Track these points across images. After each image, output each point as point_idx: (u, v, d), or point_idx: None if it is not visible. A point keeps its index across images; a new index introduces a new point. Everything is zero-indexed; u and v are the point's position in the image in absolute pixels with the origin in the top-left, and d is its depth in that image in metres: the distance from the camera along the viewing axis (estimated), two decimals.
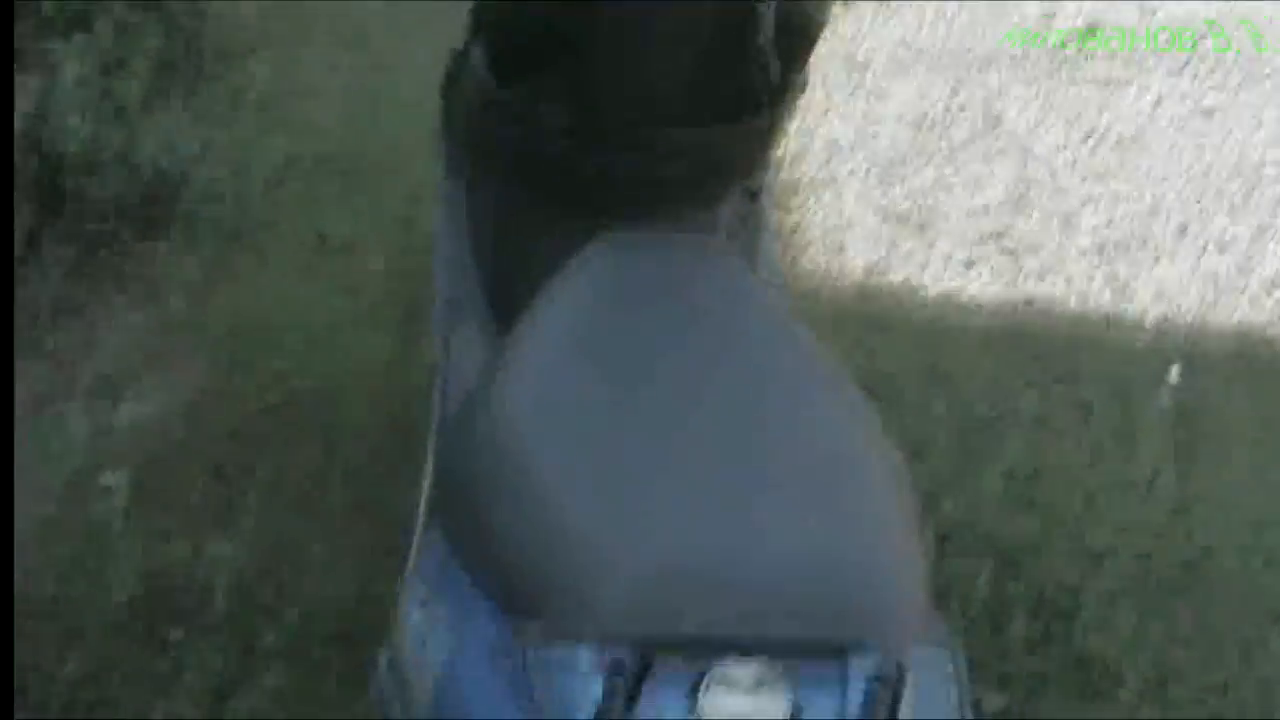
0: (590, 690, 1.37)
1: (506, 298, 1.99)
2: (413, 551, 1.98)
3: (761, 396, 1.67)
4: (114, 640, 2.56)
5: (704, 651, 1.40)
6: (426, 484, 2.07)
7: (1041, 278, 3.62)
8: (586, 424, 1.59)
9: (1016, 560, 2.89)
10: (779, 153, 3.01)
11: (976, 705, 1.55)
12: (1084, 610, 2.81)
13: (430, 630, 1.59)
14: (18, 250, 3.31)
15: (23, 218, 3.37)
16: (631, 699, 1.33)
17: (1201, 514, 3.06)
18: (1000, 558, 2.89)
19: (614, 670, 1.35)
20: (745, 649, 1.40)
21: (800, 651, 1.40)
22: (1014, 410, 3.24)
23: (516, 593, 1.47)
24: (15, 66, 3.38)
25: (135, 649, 2.56)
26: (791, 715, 1.38)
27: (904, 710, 1.36)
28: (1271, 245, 3.70)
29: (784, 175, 3.68)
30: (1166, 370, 3.39)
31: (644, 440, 1.57)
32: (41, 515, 2.82)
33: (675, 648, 1.35)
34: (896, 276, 3.62)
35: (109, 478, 2.90)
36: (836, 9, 2.54)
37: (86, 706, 2.45)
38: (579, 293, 1.80)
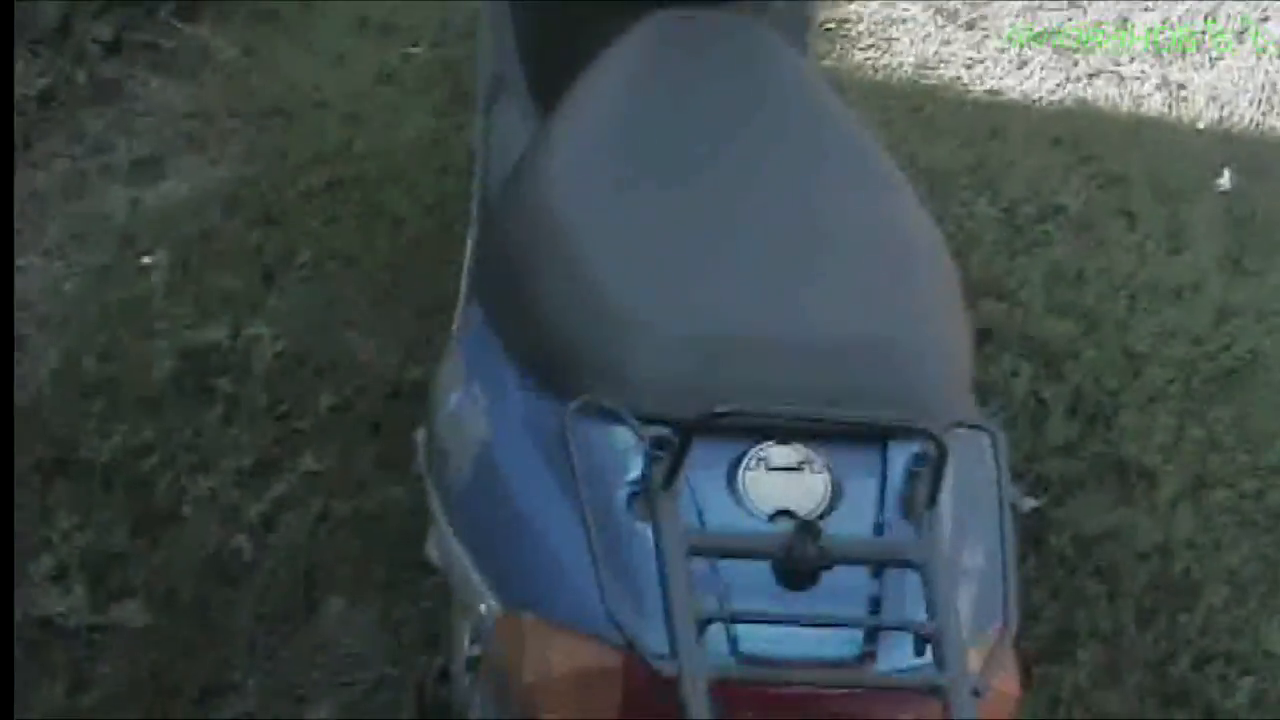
0: (629, 467, 1.37)
1: (547, 78, 1.95)
2: (452, 331, 1.97)
3: (808, 177, 1.64)
4: (154, 418, 2.58)
5: (745, 432, 1.39)
6: (466, 263, 2.06)
7: (1094, 78, 3.56)
8: (629, 201, 1.56)
9: (1056, 362, 2.87)
10: None
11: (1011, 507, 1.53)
12: (1122, 414, 2.79)
13: (469, 407, 1.58)
14: (47, 30, 3.28)
15: None
16: (671, 477, 1.32)
17: (1245, 321, 3.03)
18: (1040, 359, 2.87)
19: (654, 448, 1.34)
20: (786, 431, 1.39)
21: (841, 433, 1.39)
22: (1060, 211, 3.20)
23: (556, 368, 1.46)
24: None
25: (174, 428, 2.57)
26: (831, 496, 1.38)
27: (944, 492, 1.35)
28: None
29: None
30: (1217, 175, 3.34)
31: (687, 218, 1.54)
32: (81, 296, 2.83)
33: (716, 428, 1.33)
34: (946, 73, 3.56)
35: (148, 258, 2.90)
36: None
37: (126, 481, 2.48)
38: (624, 70, 1.76)
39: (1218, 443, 2.77)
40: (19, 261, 2.91)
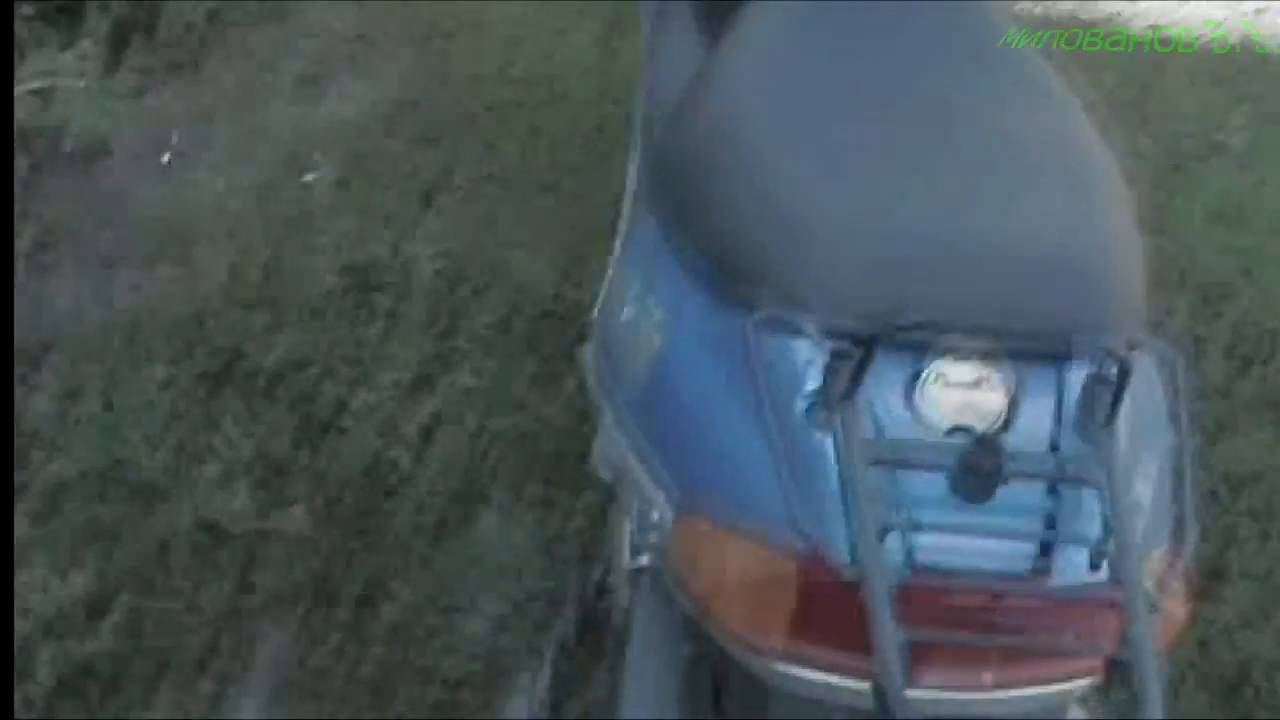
0: (809, 379, 1.38)
1: (714, 2, 1.95)
2: (618, 245, 1.99)
3: (988, 100, 1.63)
4: (316, 331, 2.62)
5: (922, 348, 1.39)
6: (632, 179, 2.07)
7: (1261, 13, 3.49)
8: (811, 116, 1.57)
9: (1215, 299, 2.83)
10: None
11: None
12: None
13: (644, 319, 1.60)
14: None
15: None
16: (852, 388, 1.33)
17: None
18: (1198, 295, 2.84)
19: (834, 359, 1.35)
20: (968, 346, 1.39)
21: (1021, 350, 1.39)
22: (1222, 148, 3.15)
23: (737, 280, 1.47)
24: None
25: (335, 341, 2.61)
26: (1008, 413, 1.38)
27: (1121, 411, 1.35)
28: None
29: None
30: None
31: (869, 135, 1.54)
32: (244, 210, 2.88)
33: (897, 342, 1.34)
34: (1107, 8, 3.51)
35: (310, 175, 2.95)
36: None
37: (288, 392, 2.52)
38: None
39: None
40: (184, 175, 2.97)
